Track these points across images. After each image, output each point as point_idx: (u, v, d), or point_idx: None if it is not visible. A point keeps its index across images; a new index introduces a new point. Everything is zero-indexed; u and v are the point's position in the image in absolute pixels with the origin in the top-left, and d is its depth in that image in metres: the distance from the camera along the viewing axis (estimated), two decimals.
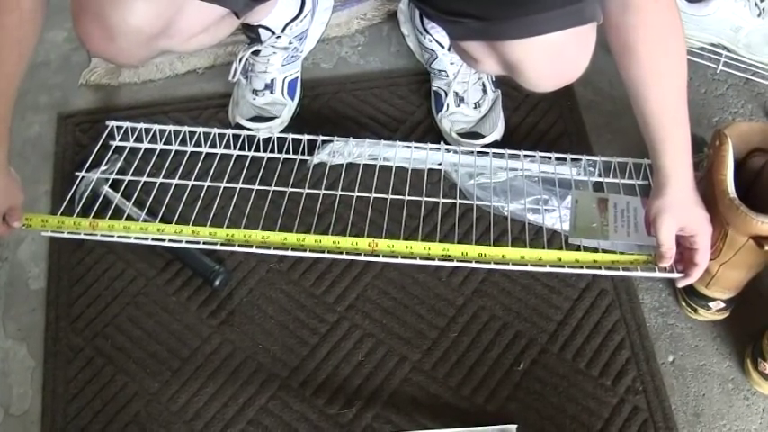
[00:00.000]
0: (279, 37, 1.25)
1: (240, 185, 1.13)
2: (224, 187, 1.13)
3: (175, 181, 1.15)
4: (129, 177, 1.16)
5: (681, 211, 0.94)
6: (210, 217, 1.08)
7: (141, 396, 1.07)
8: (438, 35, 1.27)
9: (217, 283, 1.13)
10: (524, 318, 1.11)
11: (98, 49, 0.95)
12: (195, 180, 1.15)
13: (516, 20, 0.88)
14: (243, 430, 1.04)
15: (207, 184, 1.14)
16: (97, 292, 1.16)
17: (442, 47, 1.27)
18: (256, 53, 1.26)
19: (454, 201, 1.15)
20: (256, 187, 1.13)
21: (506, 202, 1.16)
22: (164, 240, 1.03)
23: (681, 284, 1.01)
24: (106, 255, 1.19)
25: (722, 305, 1.08)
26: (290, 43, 1.27)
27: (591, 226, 1.06)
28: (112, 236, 1.03)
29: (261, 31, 1.24)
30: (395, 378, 1.08)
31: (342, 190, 1.14)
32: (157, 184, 1.15)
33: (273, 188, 1.12)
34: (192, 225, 1.03)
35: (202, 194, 1.14)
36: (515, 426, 1.01)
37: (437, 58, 1.28)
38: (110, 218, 1.07)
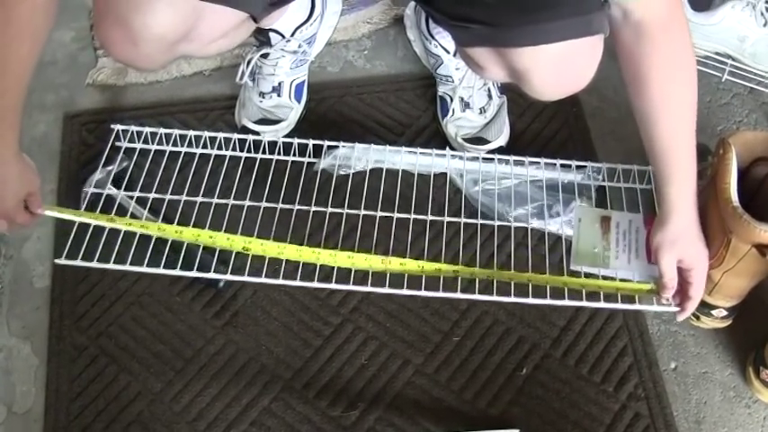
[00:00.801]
0: (288, 41, 1.26)
1: (248, 202, 1.12)
2: (234, 191, 1.15)
3: (184, 198, 1.15)
4: (139, 183, 1.17)
5: (681, 245, 0.96)
6: (224, 224, 1.10)
7: (144, 396, 1.07)
8: (444, 40, 1.27)
9: (221, 284, 1.14)
10: (527, 323, 1.12)
11: (120, 53, 0.96)
12: (205, 183, 1.16)
13: (525, 27, 0.89)
14: (245, 431, 1.05)
15: (215, 201, 1.13)
16: (102, 292, 1.16)
17: (448, 52, 1.27)
18: (265, 56, 1.27)
19: (459, 220, 1.14)
20: (264, 204, 1.12)
21: (511, 208, 1.17)
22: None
23: (679, 319, 1.02)
24: None
25: (725, 313, 1.09)
26: (299, 47, 1.28)
27: (593, 251, 1.08)
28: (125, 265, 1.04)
29: (271, 34, 1.24)
30: (398, 381, 1.08)
31: (349, 195, 1.14)
32: (170, 188, 1.15)
33: (280, 205, 1.11)
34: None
35: (214, 201, 1.14)
36: (517, 430, 1.01)
37: (443, 63, 1.29)
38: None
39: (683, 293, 0.98)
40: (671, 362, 1.10)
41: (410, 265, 1.01)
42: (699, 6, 1.31)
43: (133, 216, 1.15)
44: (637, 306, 1.02)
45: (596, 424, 1.04)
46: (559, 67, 0.92)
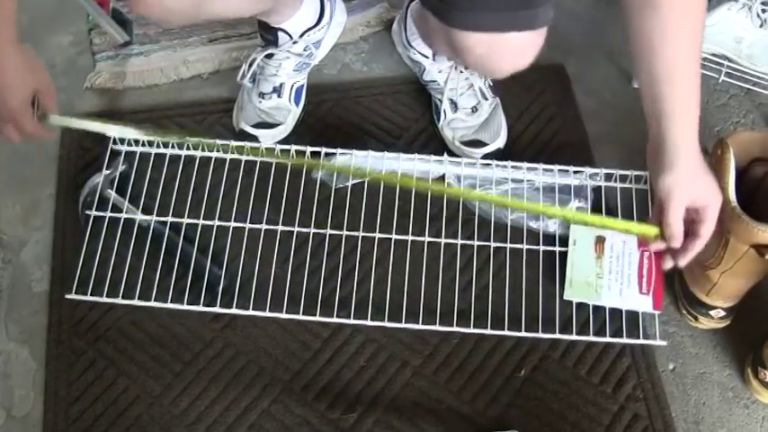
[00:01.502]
0: (295, 42, 1.26)
1: (248, 225, 1.16)
2: (236, 201, 1.19)
3: (186, 220, 1.17)
4: (140, 187, 1.18)
5: (692, 183, 0.87)
6: (227, 243, 1.14)
7: (143, 399, 1.07)
8: (420, 46, 1.29)
9: (220, 286, 1.13)
10: None
11: (145, 9, 0.97)
12: (207, 191, 1.20)
13: (469, 12, 0.89)
14: None
15: (216, 223, 1.17)
16: None
17: (426, 57, 1.29)
18: (269, 56, 1.27)
19: (456, 241, 1.16)
20: (264, 227, 1.15)
21: (508, 211, 1.17)
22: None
23: (681, 263, 0.91)
24: None
25: (723, 313, 1.09)
26: (306, 49, 1.28)
27: (586, 280, 1.11)
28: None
29: (279, 34, 1.25)
30: (396, 383, 1.08)
31: (348, 207, 1.17)
32: (174, 196, 1.18)
33: (281, 228, 1.15)
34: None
35: (215, 223, 1.17)
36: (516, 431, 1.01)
37: (425, 69, 1.30)
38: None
39: (690, 234, 0.89)
40: (669, 363, 1.10)
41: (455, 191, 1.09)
42: None
43: (140, 226, 1.15)
44: (624, 340, 1.07)
45: (595, 425, 1.04)
46: (496, 53, 0.93)
